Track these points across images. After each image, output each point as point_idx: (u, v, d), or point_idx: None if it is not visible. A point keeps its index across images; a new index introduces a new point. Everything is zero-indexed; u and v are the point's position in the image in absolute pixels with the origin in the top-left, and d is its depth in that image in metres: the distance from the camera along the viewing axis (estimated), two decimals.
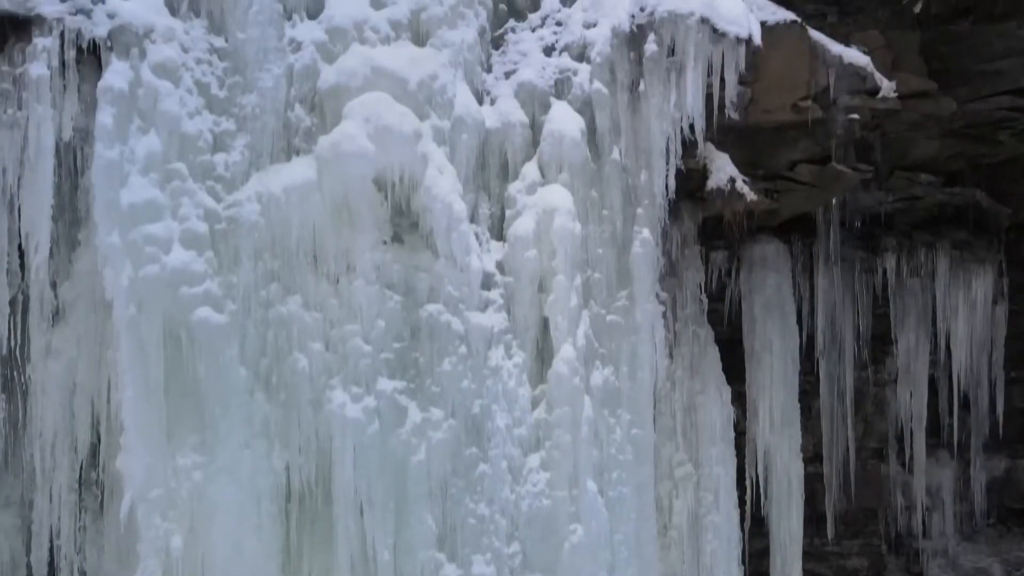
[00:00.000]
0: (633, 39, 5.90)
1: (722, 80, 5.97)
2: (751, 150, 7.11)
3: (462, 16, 5.93)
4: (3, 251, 4.52)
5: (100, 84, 4.61)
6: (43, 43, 4.51)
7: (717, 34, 5.90)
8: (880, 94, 6.71)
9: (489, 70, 6.17)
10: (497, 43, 6.31)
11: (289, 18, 5.58)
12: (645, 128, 5.86)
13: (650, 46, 5.81)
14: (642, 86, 5.88)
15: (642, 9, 5.90)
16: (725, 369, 7.38)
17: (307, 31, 5.52)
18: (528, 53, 6.03)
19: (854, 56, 6.72)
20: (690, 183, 6.75)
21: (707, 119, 6.12)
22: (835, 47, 6.75)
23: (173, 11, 5.11)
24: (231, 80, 5.23)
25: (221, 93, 5.17)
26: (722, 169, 6.79)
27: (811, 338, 7.88)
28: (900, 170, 7.28)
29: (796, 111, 6.80)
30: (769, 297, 7.33)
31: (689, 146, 6.04)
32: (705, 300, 7.09)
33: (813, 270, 7.69)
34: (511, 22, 6.33)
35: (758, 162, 7.21)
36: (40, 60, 4.49)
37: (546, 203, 5.55)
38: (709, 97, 6.06)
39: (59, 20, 4.56)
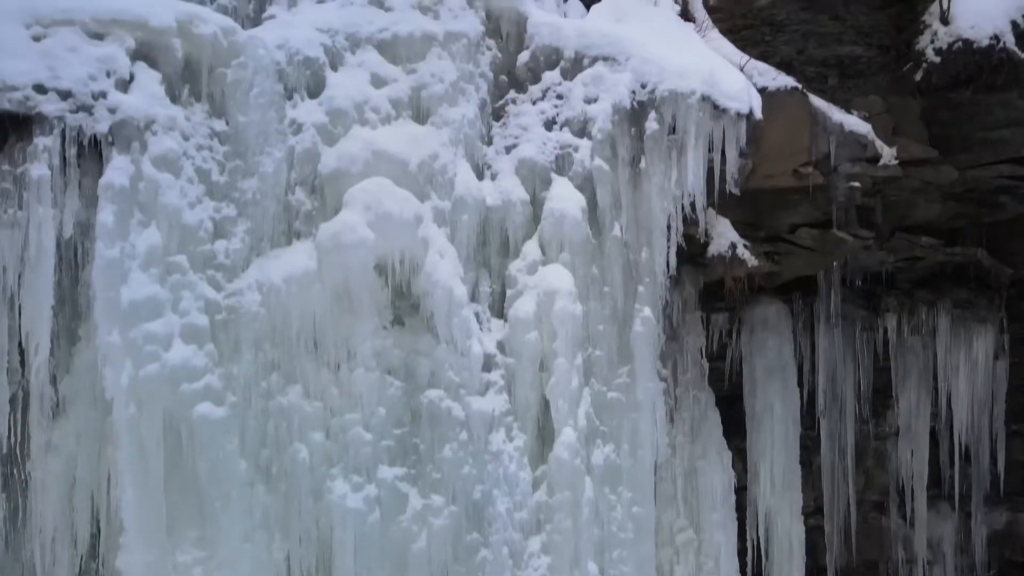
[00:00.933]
0: (634, 115, 5.90)
1: (723, 155, 5.96)
2: (752, 212, 7.12)
3: (463, 92, 5.94)
4: (3, 350, 4.51)
5: (101, 182, 4.61)
6: (44, 143, 4.51)
7: (718, 110, 5.89)
8: (881, 162, 6.72)
9: (490, 142, 6.17)
10: (498, 114, 6.30)
11: (290, 98, 5.59)
12: (646, 205, 5.85)
13: (651, 124, 5.80)
14: (643, 163, 5.87)
15: (643, 86, 5.89)
16: (726, 423, 7.37)
17: (308, 112, 5.52)
18: (529, 127, 6.02)
19: (855, 124, 6.73)
20: (691, 248, 6.75)
21: (708, 192, 6.13)
22: (836, 114, 6.76)
23: (174, 98, 5.12)
24: (232, 164, 5.24)
25: (222, 179, 5.17)
26: (723, 235, 6.79)
27: (812, 395, 7.88)
28: (901, 231, 7.29)
29: (797, 177, 6.81)
30: (770, 360, 7.33)
31: (690, 222, 6.03)
32: (706, 364, 7.09)
33: (814, 328, 7.68)
34: (512, 93, 6.32)
35: (759, 224, 7.21)
36: (41, 160, 4.48)
37: (547, 285, 5.54)
38: (710, 170, 6.06)
39: (60, 118, 4.55)
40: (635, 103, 5.89)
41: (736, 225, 6.98)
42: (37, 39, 4.67)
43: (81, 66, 4.69)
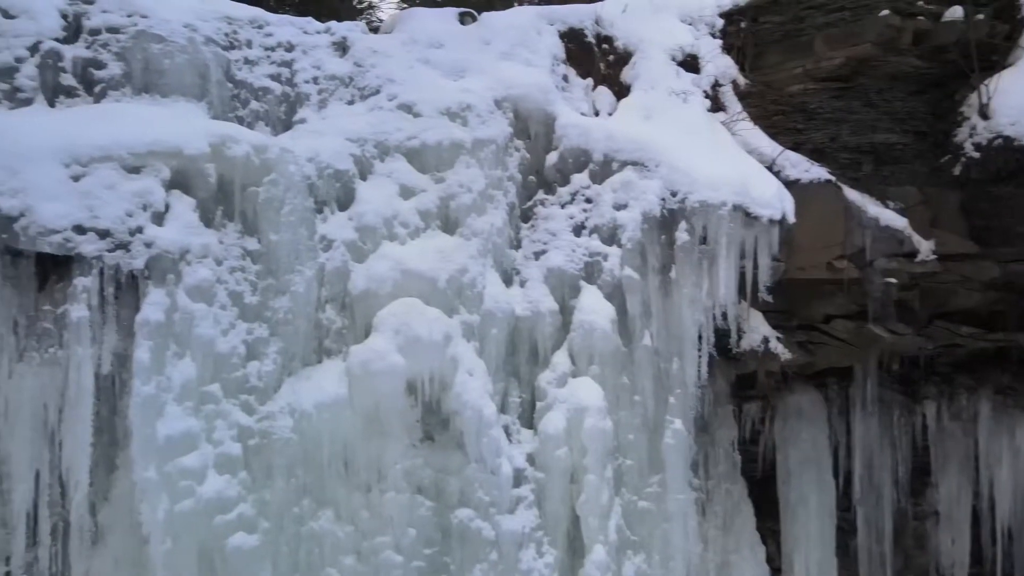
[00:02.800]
0: (664, 224, 5.85)
1: (755, 261, 5.88)
2: (785, 301, 6.99)
3: (491, 199, 5.95)
4: (45, 484, 4.61)
5: (138, 318, 4.70)
6: (83, 283, 4.61)
7: (750, 218, 5.84)
8: (919, 257, 6.57)
9: (518, 245, 6.17)
10: (526, 216, 6.31)
11: (320, 211, 5.67)
12: (677, 315, 5.80)
13: (681, 234, 5.75)
14: (673, 272, 5.82)
15: (673, 194, 5.85)
16: (759, 502, 7.26)
17: (338, 227, 5.59)
18: (557, 233, 6.01)
19: (891, 218, 6.59)
20: (722, 341, 6.66)
21: (739, 293, 6.06)
22: (871, 207, 6.63)
23: (208, 222, 5.21)
24: (264, 283, 5.31)
25: (254, 299, 5.25)
26: (756, 329, 6.70)
27: (848, 478, 7.71)
28: (940, 319, 7.11)
29: (831, 270, 6.69)
30: (805, 451, 7.20)
31: (722, 331, 5.96)
32: (738, 457, 6.99)
33: (850, 414, 7.53)
34: (540, 194, 6.33)
35: (792, 313, 7.10)
36: (80, 301, 4.58)
37: (577, 400, 5.52)
38: (742, 274, 5.98)
39: (98, 258, 4.65)
40: (665, 211, 5.85)
41: (768, 314, 6.88)
42: (76, 179, 4.78)
43: (119, 203, 4.79)
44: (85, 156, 4.84)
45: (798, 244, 6.50)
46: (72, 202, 4.68)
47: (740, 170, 5.94)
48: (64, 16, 5.78)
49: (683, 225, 5.76)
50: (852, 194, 6.67)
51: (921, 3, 6.56)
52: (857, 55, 6.67)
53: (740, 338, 6.68)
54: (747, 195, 5.80)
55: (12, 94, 5.49)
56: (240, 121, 6.15)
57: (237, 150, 5.30)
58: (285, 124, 6.31)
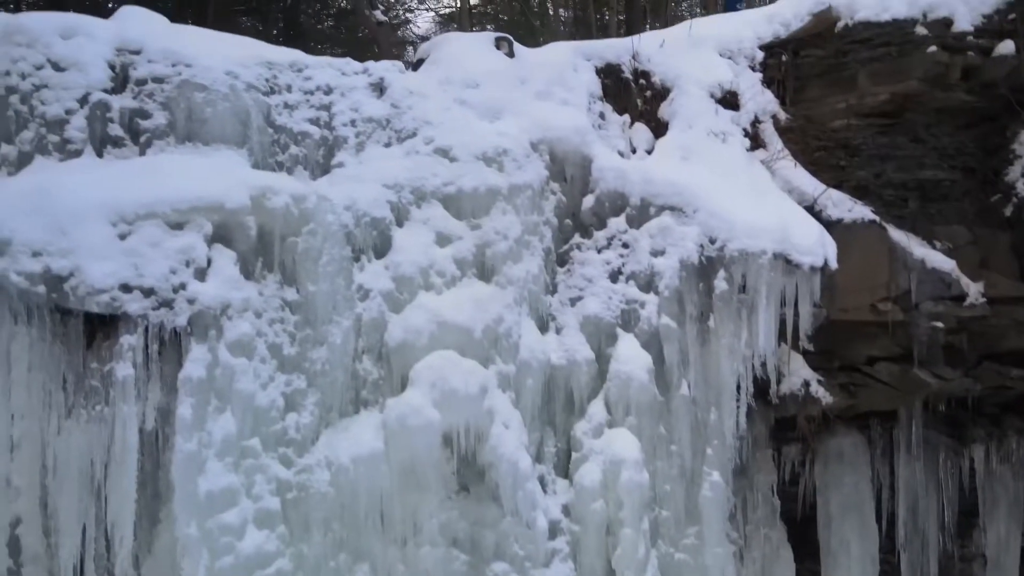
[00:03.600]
0: (702, 271, 5.78)
1: (796, 308, 5.77)
2: (827, 340, 6.84)
3: (527, 245, 5.94)
4: (91, 538, 4.72)
5: (181, 375, 4.78)
6: (129, 341, 4.71)
7: (790, 265, 5.72)
8: (967, 300, 6.38)
9: (554, 290, 6.14)
10: (562, 259, 6.28)
11: (357, 259, 5.71)
12: (715, 363, 5.72)
13: (720, 283, 5.67)
14: (712, 320, 5.74)
15: (712, 241, 5.77)
16: (799, 549, 7.12)
17: (375, 277, 5.62)
18: (594, 279, 5.97)
19: (938, 260, 6.41)
20: (762, 384, 6.55)
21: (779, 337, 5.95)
22: (917, 249, 6.46)
23: (248, 274, 5.28)
24: (302, 334, 5.37)
25: (293, 350, 5.31)
26: (796, 372, 6.57)
27: (892, 520, 7.52)
28: (989, 360, 6.89)
29: (875, 312, 6.54)
30: (846, 495, 7.04)
31: (761, 381, 5.86)
32: (777, 502, 6.85)
33: (893, 456, 7.34)
34: (576, 237, 6.29)
35: (834, 353, 6.94)
36: (126, 359, 4.68)
37: (613, 452, 5.47)
38: (782, 321, 5.87)
39: (143, 316, 4.75)
40: (703, 259, 5.77)
41: (809, 355, 6.74)
42: (122, 237, 4.89)
43: (163, 260, 4.88)
44: (131, 214, 4.94)
45: (841, 285, 6.36)
46: (118, 261, 4.78)
47: (780, 215, 5.83)
48: (112, 67, 5.91)
49: (722, 273, 5.68)
50: (897, 234, 6.50)
51: (970, 38, 6.36)
52: (903, 91, 6.50)
53: (780, 382, 6.55)
54: (788, 242, 5.69)
55: (63, 146, 5.64)
56: (280, 166, 6.24)
57: (277, 201, 5.36)
58: (323, 168, 6.37)
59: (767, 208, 5.88)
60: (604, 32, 23.90)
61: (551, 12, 21.78)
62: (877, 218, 6.49)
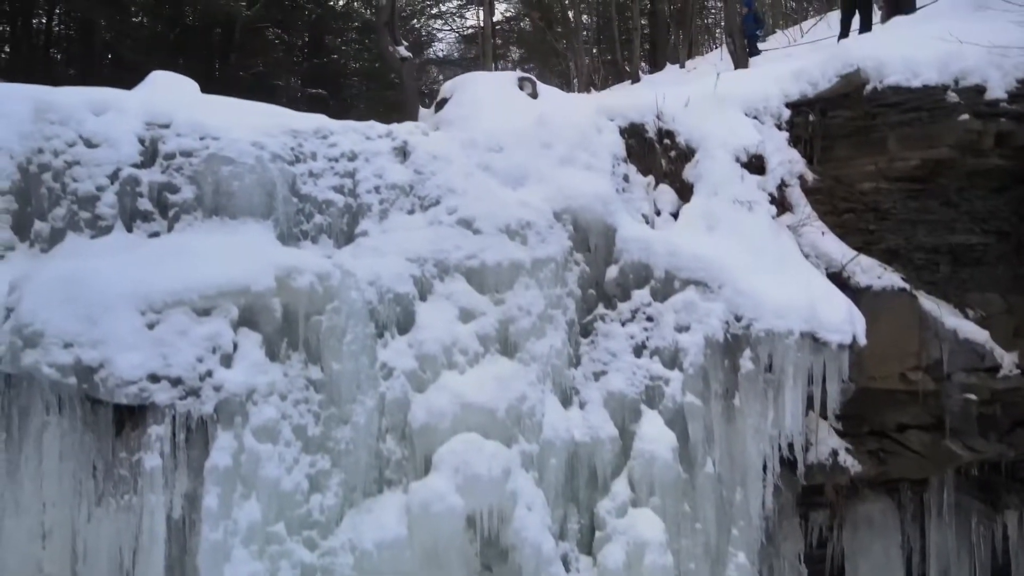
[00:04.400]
0: (728, 349, 5.71)
1: (824, 386, 5.68)
2: (856, 405, 6.73)
3: (551, 320, 5.92)
4: None
5: (207, 464, 4.85)
6: (157, 432, 4.78)
7: (818, 343, 5.63)
8: (1001, 372, 6.24)
9: (577, 363, 6.12)
10: (586, 330, 6.25)
11: (380, 335, 5.74)
12: (741, 442, 5.66)
13: (746, 362, 5.61)
14: (737, 399, 5.67)
15: (737, 319, 5.70)
16: None
17: (398, 355, 5.64)
18: (618, 354, 5.94)
19: (971, 331, 6.28)
20: (789, 453, 6.45)
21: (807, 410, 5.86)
22: (949, 318, 6.33)
23: (273, 356, 5.34)
24: (326, 413, 5.41)
25: (317, 430, 5.34)
26: (824, 441, 6.47)
27: None
28: (1023, 427, 6.73)
29: (905, 381, 6.43)
30: (876, 562, 6.90)
31: (787, 462, 5.78)
32: (805, 569, 6.75)
33: (924, 520, 7.19)
34: (600, 308, 6.26)
35: (863, 418, 6.82)
36: (154, 450, 4.76)
37: (636, 534, 5.43)
38: (809, 397, 5.79)
39: (171, 406, 4.82)
40: (729, 336, 5.71)
41: (838, 419, 6.63)
42: (151, 326, 4.97)
43: (190, 349, 4.95)
44: (159, 302, 5.02)
45: (870, 354, 6.25)
46: (147, 351, 4.86)
47: (808, 290, 5.75)
48: (141, 141, 6.02)
49: (748, 353, 5.61)
50: (928, 303, 6.38)
51: (1004, 104, 6.22)
52: (934, 158, 6.38)
53: (807, 450, 6.45)
54: (815, 319, 5.61)
55: (94, 222, 5.76)
56: (304, 235, 6.30)
57: (302, 281, 5.42)
58: (347, 236, 6.41)
59: (794, 283, 5.80)
60: (628, 46, 23.83)
61: (572, 23, 21.76)
62: (907, 286, 6.38)
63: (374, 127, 7.06)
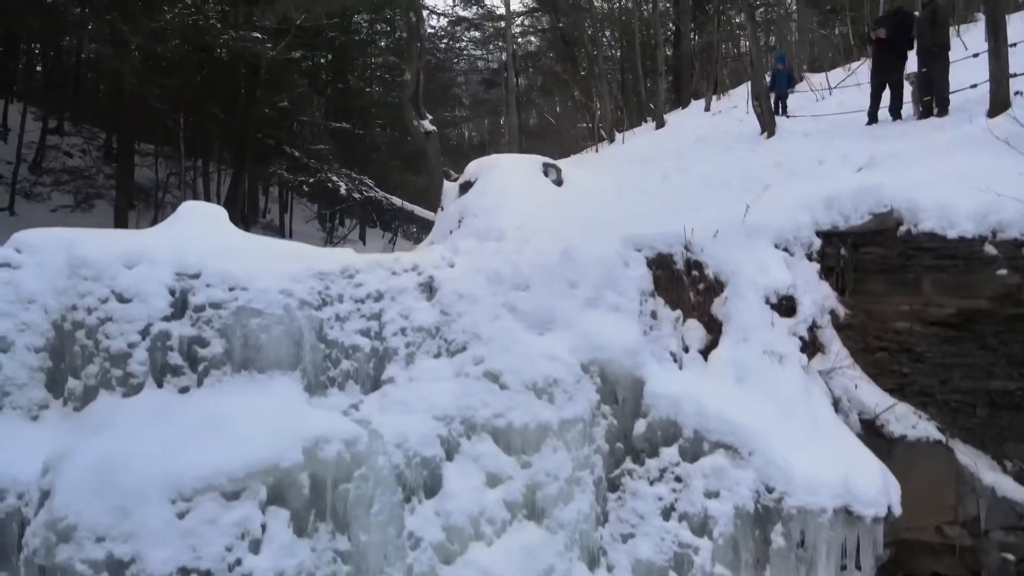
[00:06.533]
0: (758, 519, 5.62)
1: (857, 559, 5.57)
2: (889, 552, 6.60)
3: (578, 482, 5.87)
4: None
5: None
6: None
7: (852, 516, 5.52)
8: None
9: (604, 520, 6.05)
10: (613, 485, 6.19)
11: (408, 500, 5.72)
12: None
13: (777, 538, 5.51)
14: (768, 571, 5.57)
15: (768, 490, 5.61)
16: None
17: (425, 523, 5.62)
18: (646, 516, 5.87)
19: (1009, 488, 6.11)
20: None
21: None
22: (987, 473, 6.17)
23: (300, 531, 5.32)
24: None
25: None
26: None
27: None
28: None
29: (940, 534, 6.27)
30: None
31: None
32: None
33: None
34: (628, 462, 6.20)
35: (898, 563, 6.68)
36: None
37: None
38: (843, 566, 5.67)
39: None
40: (759, 506, 5.61)
41: None
42: (181, 516, 4.98)
43: (219, 539, 4.96)
44: (189, 489, 5.03)
45: (904, 506, 6.11)
46: (177, 544, 4.87)
47: (842, 461, 5.64)
48: (172, 293, 6.09)
49: (779, 528, 5.51)
50: (964, 456, 6.22)
51: None
52: (970, 308, 6.24)
53: None
54: (849, 493, 5.49)
55: (125, 380, 5.84)
56: (331, 382, 6.33)
57: (329, 451, 5.41)
58: (374, 382, 6.44)
59: (827, 453, 5.68)
60: (653, 79, 23.70)
61: (597, 70, 21.77)
62: (943, 437, 6.24)
63: (399, 261, 7.10)
